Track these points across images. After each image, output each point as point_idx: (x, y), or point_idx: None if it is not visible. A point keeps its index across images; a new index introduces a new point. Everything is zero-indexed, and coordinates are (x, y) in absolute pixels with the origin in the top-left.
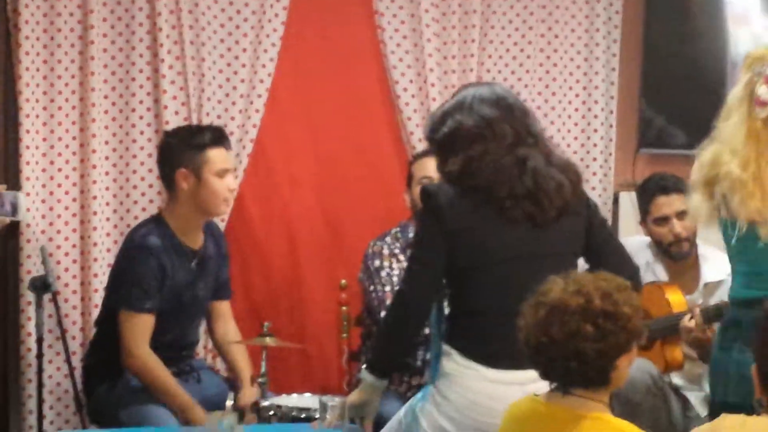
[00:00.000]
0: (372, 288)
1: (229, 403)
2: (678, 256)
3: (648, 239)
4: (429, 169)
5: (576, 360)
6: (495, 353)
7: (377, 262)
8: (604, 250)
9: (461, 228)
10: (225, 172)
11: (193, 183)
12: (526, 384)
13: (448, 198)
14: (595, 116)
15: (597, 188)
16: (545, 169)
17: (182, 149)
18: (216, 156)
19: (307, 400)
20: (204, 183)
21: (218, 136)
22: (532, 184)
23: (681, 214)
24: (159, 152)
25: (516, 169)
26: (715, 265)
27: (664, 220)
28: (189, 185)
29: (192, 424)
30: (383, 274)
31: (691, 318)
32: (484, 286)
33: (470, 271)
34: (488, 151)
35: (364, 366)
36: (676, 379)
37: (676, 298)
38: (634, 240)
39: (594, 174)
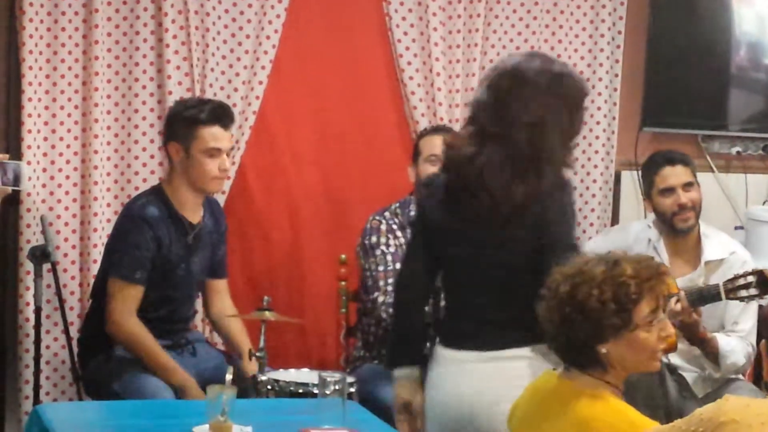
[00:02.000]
0: (366, 266)
1: (228, 377)
2: (682, 227)
3: (649, 220)
4: (437, 146)
5: (568, 345)
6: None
7: (374, 238)
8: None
9: (430, 219)
10: (216, 151)
11: (182, 158)
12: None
13: (431, 188)
14: (599, 94)
15: (599, 167)
16: (496, 168)
17: (176, 122)
18: (207, 134)
19: (305, 375)
20: (192, 159)
21: (217, 114)
22: (474, 180)
23: (687, 186)
24: (163, 123)
25: (466, 162)
26: (717, 243)
27: (669, 190)
28: (179, 159)
29: (182, 392)
30: (378, 252)
31: (677, 301)
32: (445, 277)
33: (440, 260)
34: (456, 140)
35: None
36: (674, 359)
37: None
38: (635, 224)
39: (596, 152)
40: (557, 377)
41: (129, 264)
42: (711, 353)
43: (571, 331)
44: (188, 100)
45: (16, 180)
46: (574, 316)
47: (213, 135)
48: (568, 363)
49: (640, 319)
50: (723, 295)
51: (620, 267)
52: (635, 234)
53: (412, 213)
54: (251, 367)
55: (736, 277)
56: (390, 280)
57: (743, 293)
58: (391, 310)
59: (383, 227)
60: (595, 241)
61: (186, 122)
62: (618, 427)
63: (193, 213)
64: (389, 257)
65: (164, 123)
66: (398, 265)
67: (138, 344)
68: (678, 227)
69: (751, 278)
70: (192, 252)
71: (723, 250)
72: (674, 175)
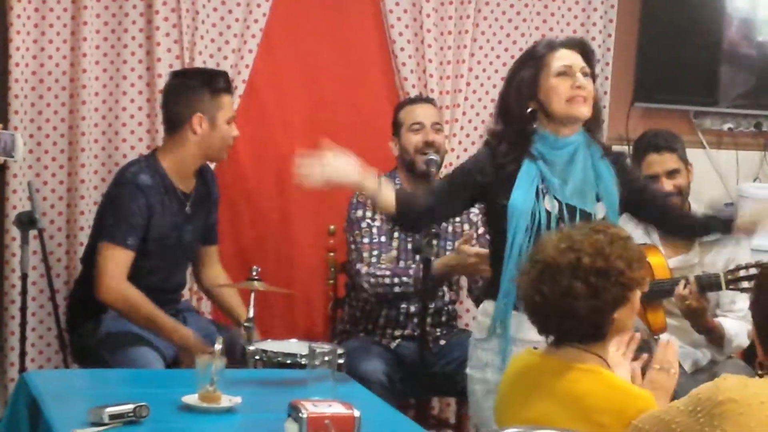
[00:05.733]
0: (351, 238)
1: (218, 346)
2: None
3: None
4: (420, 115)
5: (570, 318)
6: None
7: (359, 213)
8: None
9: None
10: (233, 119)
11: (206, 128)
12: None
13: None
14: None
15: None
16: None
17: (200, 93)
18: (228, 103)
19: (293, 345)
20: (218, 129)
21: (229, 83)
22: None
23: (671, 173)
24: (171, 92)
25: None
26: None
27: (653, 178)
28: (202, 130)
29: (184, 346)
30: (363, 225)
31: (686, 286)
32: None
33: None
34: None
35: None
36: (665, 336)
37: (657, 262)
38: None
39: None
40: (539, 354)
41: (121, 229)
42: (716, 339)
43: (598, 301)
44: (196, 71)
45: (10, 150)
46: (601, 283)
47: (231, 103)
48: (573, 339)
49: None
50: (723, 285)
51: (615, 228)
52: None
53: (398, 186)
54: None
55: (738, 268)
56: (375, 252)
57: (745, 284)
58: (372, 280)
59: (370, 201)
60: None
61: (210, 92)
62: (613, 399)
63: (187, 182)
64: (374, 230)
65: (178, 95)
66: (383, 238)
67: (134, 307)
68: None
69: (753, 270)
70: (185, 221)
71: None
72: (658, 162)
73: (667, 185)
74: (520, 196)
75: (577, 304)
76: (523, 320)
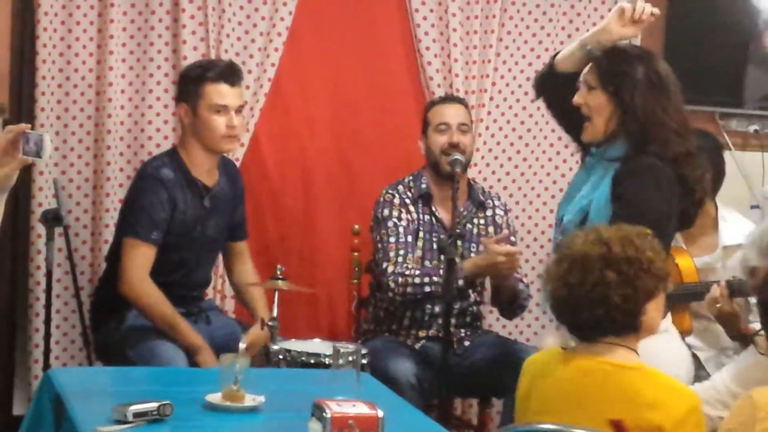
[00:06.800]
0: (378, 238)
1: (242, 345)
2: None
3: None
4: (447, 115)
5: (602, 307)
6: None
7: (386, 211)
8: None
9: None
10: (223, 108)
11: (191, 118)
12: None
13: None
14: None
15: None
16: None
17: (183, 83)
18: (213, 91)
19: (317, 345)
20: (199, 118)
21: (222, 72)
22: None
23: None
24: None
25: None
26: (735, 227)
27: None
28: (189, 120)
29: (192, 350)
30: (390, 224)
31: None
32: None
33: None
34: None
35: None
36: (690, 338)
37: (686, 264)
38: None
39: None
40: (572, 356)
41: (144, 224)
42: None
43: (631, 289)
44: (196, 62)
45: (39, 150)
46: (640, 274)
47: (218, 92)
48: (606, 332)
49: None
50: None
51: (640, 228)
52: None
53: (424, 186)
54: (257, 335)
55: None
56: (401, 252)
57: None
58: (400, 279)
59: (396, 200)
60: None
61: (192, 81)
62: (662, 398)
63: (209, 176)
64: (401, 229)
65: (176, 87)
66: (410, 238)
67: (152, 305)
68: None
69: None
70: (208, 215)
71: (740, 234)
72: None
73: None
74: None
75: (610, 293)
76: None
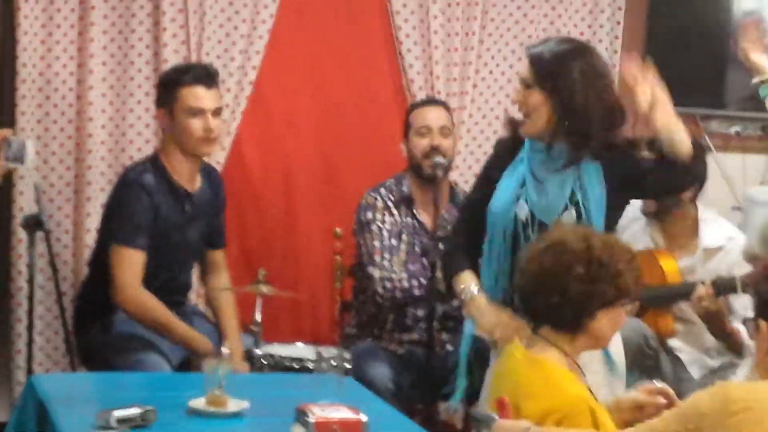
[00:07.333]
0: (362, 242)
1: (225, 350)
2: (643, 211)
3: (641, 204)
4: (428, 118)
5: (559, 295)
6: None
7: (369, 215)
8: None
9: None
10: (199, 110)
11: (168, 122)
12: None
13: None
14: None
15: None
16: None
17: (160, 88)
18: (188, 94)
19: (300, 350)
20: (176, 122)
21: (197, 75)
22: None
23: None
24: None
25: None
26: (715, 229)
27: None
28: (167, 124)
29: (199, 354)
30: (374, 227)
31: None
32: None
33: None
34: None
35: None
36: (673, 340)
37: (669, 266)
38: (633, 207)
39: None
40: (517, 347)
41: (130, 230)
42: (734, 346)
43: (591, 288)
44: (173, 66)
45: (21, 157)
46: (600, 275)
47: (194, 94)
48: (547, 321)
49: (631, 295)
50: (739, 288)
51: (623, 244)
52: (632, 215)
53: (405, 189)
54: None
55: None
56: (386, 256)
57: None
58: (388, 284)
59: (379, 204)
60: None
61: (168, 85)
62: (544, 392)
63: (190, 181)
64: (385, 233)
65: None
66: (393, 241)
67: (149, 312)
68: (641, 209)
69: None
70: (190, 220)
71: (721, 236)
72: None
73: None
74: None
75: (571, 284)
76: None
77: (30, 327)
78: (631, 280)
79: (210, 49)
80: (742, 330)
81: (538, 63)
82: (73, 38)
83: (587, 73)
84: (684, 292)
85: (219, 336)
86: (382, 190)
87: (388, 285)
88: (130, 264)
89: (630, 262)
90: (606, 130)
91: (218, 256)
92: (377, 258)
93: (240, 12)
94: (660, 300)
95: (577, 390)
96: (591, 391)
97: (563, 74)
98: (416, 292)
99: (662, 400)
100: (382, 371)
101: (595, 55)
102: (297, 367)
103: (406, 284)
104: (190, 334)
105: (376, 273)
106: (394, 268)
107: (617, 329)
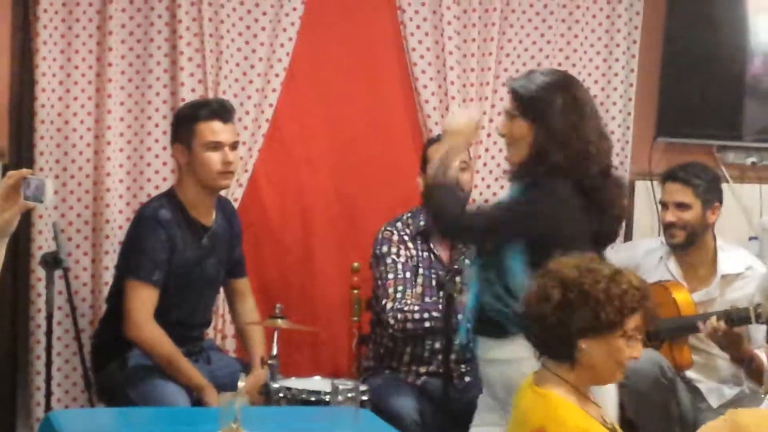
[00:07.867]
0: (377, 274)
1: (241, 384)
2: (669, 242)
3: (661, 237)
4: None
5: (539, 323)
6: None
7: (384, 248)
8: None
9: None
10: (217, 144)
11: (187, 157)
12: None
13: None
14: (614, 103)
15: None
16: None
17: (177, 124)
18: (206, 128)
19: (317, 383)
20: (194, 156)
21: (215, 109)
22: None
23: (680, 205)
24: None
25: None
26: (733, 257)
27: (664, 205)
28: (185, 160)
29: (204, 402)
30: (389, 260)
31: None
32: None
33: None
34: None
35: None
36: (690, 371)
37: (682, 298)
38: (646, 241)
39: None
40: (532, 386)
41: (146, 266)
42: (755, 371)
43: (565, 316)
44: (188, 102)
45: (40, 196)
46: (576, 301)
47: (211, 129)
48: (543, 351)
49: (628, 328)
50: (753, 319)
51: (626, 275)
52: (645, 250)
53: (422, 223)
54: (256, 377)
55: None
56: (399, 288)
57: None
58: (399, 315)
59: (395, 237)
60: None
61: (185, 121)
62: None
63: (206, 215)
64: (400, 266)
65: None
66: (408, 274)
67: (156, 347)
68: (667, 241)
69: None
70: (207, 254)
71: (739, 264)
72: (669, 192)
73: (670, 216)
74: None
75: (548, 311)
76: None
77: (48, 364)
78: (612, 313)
79: (227, 87)
80: (763, 357)
81: (520, 94)
82: (91, 78)
83: (568, 104)
84: (694, 324)
85: (243, 367)
86: (399, 224)
87: (399, 316)
88: (144, 299)
89: (619, 294)
90: (584, 160)
91: (242, 284)
92: (390, 290)
93: (257, 51)
94: (674, 332)
95: (577, 422)
96: (605, 420)
97: (545, 104)
98: (427, 324)
99: None
100: (407, 403)
101: (578, 87)
102: (313, 400)
103: (417, 316)
104: (191, 373)
105: (388, 305)
106: (407, 300)
107: (619, 362)
